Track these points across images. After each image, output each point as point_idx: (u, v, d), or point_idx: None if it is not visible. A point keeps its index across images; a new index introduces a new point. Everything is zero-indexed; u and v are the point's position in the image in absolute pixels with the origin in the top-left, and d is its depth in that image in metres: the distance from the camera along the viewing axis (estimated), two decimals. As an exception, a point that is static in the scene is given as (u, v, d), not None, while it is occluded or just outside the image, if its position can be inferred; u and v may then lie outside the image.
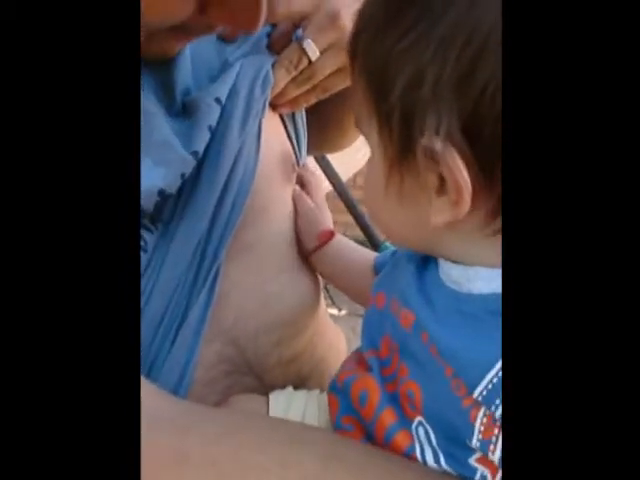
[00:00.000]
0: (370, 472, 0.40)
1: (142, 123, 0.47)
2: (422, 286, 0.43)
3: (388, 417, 0.43)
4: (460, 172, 0.35)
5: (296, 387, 0.57)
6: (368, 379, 0.45)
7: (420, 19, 0.36)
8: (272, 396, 0.54)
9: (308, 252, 0.61)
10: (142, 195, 0.47)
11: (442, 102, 0.35)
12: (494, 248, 0.38)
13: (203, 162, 0.52)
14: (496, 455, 0.38)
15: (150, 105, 0.50)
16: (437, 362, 0.40)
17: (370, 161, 0.42)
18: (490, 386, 0.37)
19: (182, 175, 0.49)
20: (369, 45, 0.39)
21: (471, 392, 0.38)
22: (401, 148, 0.38)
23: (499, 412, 0.37)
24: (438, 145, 0.36)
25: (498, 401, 0.36)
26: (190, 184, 0.52)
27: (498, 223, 0.38)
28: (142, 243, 0.50)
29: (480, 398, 0.37)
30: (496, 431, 0.38)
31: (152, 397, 0.45)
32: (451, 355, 0.39)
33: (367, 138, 0.42)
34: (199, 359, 0.52)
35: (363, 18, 0.41)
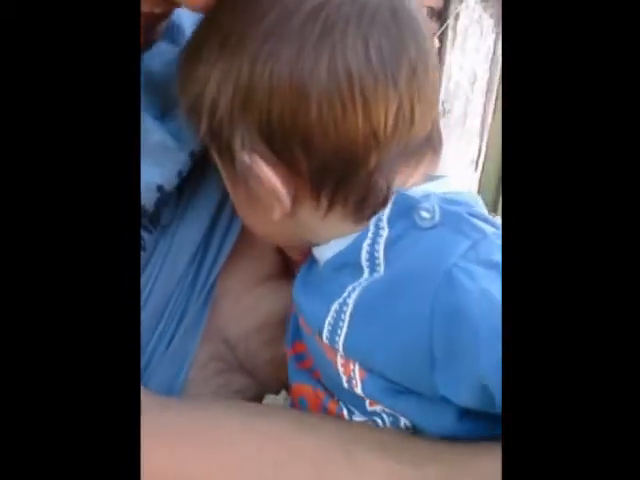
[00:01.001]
0: (324, 427, 0.46)
1: None
2: (306, 278, 0.50)
3: (319, 394, 0.50)
4: (266, 175, 0.43)
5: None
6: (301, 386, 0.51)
7: (207, 59, 0.43)
8: (266, 402, 0.55)
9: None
10: (141, 192, 0.47)
11: (239, 123, 0.42)
12: (332, 225, 0.45)
13: (205, 163, 0.52)
14: (358, 388, 0.44)
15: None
16: (308, 334, 0.48)
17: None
18: (330, 327, 0.44)
19: (179, 173, 0.49)
20: (180, 87, 0.46)
21: (321, 339, 0.45)
22: (229, 164, 0.45)
23: (341, 346, 0.44)
24: (246, 158, 0.43)
25: (337, 338, 0.44)
26: (191, 185, 0.52)
27: (323, 206, 0.44)
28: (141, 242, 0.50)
29: (327, 341, 0.44)
30: (352, 366, 0.44)
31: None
32: (310, 318, 0.47)
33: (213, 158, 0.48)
34: (193, 358, 0.52)
35: (180, 57, 0.47)
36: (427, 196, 0.43)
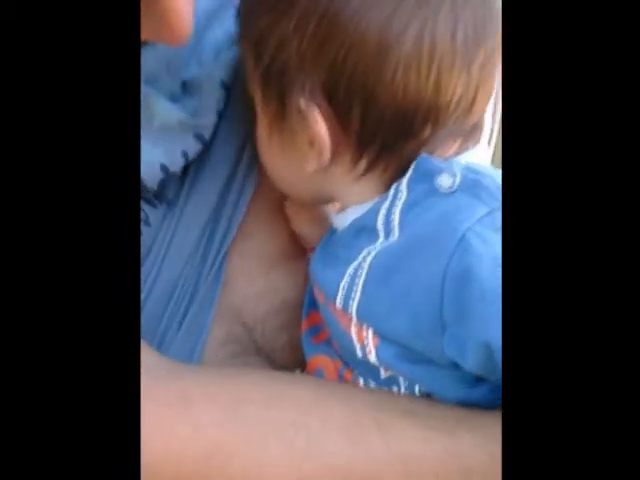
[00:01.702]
0: (350, 394, 0.46)
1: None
2: (324, 248, 0.49)
3: (337, 364, 0.50)
4: (317, 125, 0.42)
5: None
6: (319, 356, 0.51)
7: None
8: None
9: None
10: (144, 171, 0.47)
11: (305, 66, 0.42)
12: (362, 188, 0.45)
13: (210, 143, 0.52)
14: (372, 355, 0.44)
15: (147, 88, 0.49)
16: (322, 303, 0.48)
17: (257, 119, 0.48)
18: (344, 291, 0.44)
19: (184, 153, 0.49)
20: (247, 17, 0.45)
21: (335, 306, 0.45)
22: (276, 106, 0.44)
23: (354, 310, 0.44)
24: (302, 103, 0.42)
25: (351, 302, 0.44)
26: (197, 165, 0.52)
27: (360, 168, 0.44)
28: (143, 215, 0.50)
29: (340, 307, 0.45)
30: (365, 332, 0.44)
31: (150, 353, 0.47)
32: (324, 285, 0.47)
33: (254, 99, 0.47)
34: (208, 338, 0.53)
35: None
36: (449, 162, 0.44)
